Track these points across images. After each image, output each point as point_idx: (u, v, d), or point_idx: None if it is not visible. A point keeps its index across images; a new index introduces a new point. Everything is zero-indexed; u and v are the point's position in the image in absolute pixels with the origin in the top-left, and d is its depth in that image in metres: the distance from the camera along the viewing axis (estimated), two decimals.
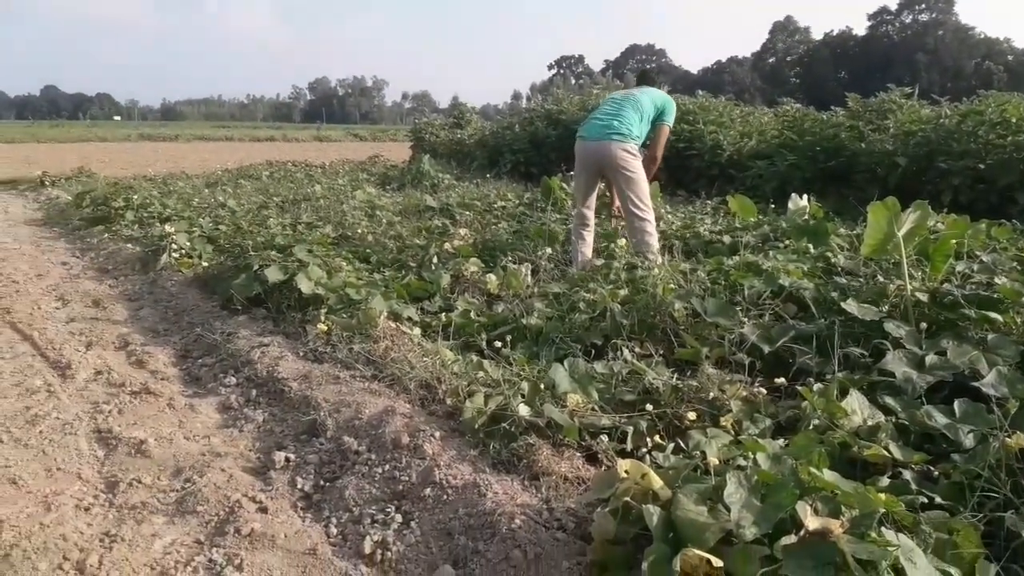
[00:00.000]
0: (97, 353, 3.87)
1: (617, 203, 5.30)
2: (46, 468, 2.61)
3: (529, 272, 4.55)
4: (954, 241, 3.61)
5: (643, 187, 4.95)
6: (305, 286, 4.13)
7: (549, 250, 5.02)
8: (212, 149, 30.52)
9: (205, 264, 5.43)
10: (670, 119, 5.26)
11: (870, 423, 2.25)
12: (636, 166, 4.93)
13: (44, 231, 8.39)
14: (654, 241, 4.91)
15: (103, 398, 3.27)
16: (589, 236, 5.14)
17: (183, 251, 5.78)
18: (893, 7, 73.03)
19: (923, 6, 71.75)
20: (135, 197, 8.70)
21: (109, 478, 2.55)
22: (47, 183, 13.02)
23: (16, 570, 1.98)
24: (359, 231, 6.21)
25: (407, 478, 2.33)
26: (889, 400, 2.39)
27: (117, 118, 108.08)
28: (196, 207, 8.14)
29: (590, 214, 5.17)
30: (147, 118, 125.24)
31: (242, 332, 3.98)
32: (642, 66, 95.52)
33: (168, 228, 6.19)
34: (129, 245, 6.70)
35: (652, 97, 5.19)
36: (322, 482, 2.49)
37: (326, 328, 3.65)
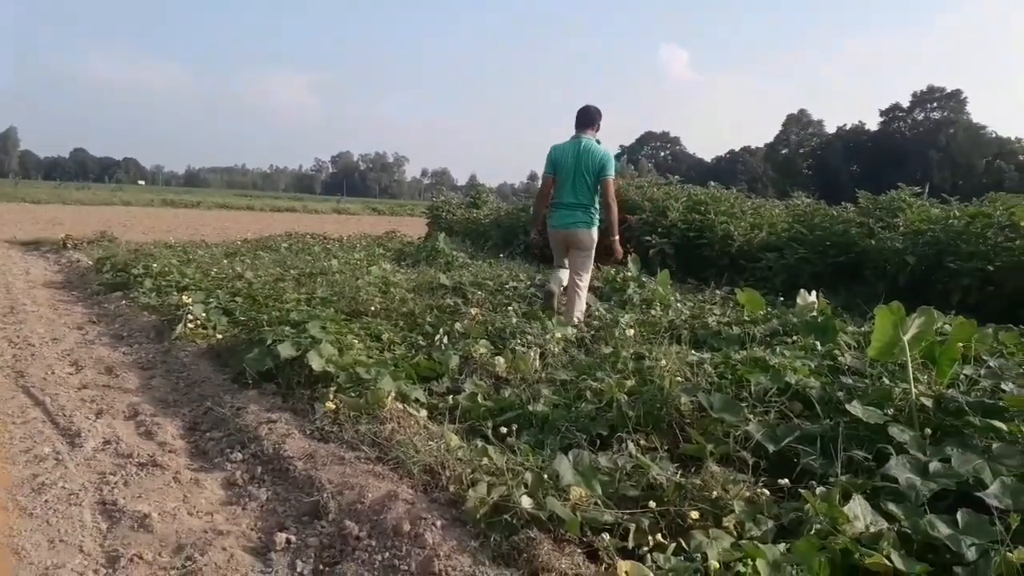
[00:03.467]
0: (107, 422, 3.91)
1: (615, 253, 6.49)
2: (49, 539, 2.62)
3: (538, 356, 4.59)
4: (961, 345, 3.64)
5: (589, 263, 6.26)
6: (316, 363, 4.18)
7: (559, 334, 5.08)
8: (233, 217, 31.10)
9: (219, 336, 5.50)
10: (610, 171, 6.08)
11: (872, 530, 2.25)
12: (590, 245, 6.19)
13: (63, 294, 8.53)
14: (582, 303, 6.15)
15: (110, 469, 3.29)
16: (564, 273, 6.40)
17: (198, 322, 5.86)
18: (905, 104, 74.64)
19: (935, 104, 73.28)
20: (154, 265, 8.86)
21: (111, 552, 2.56)
22: (69, 246, 13.28)
23: None
24: (372, 308, 6.29)
25: (406, 567, 2.33)
26: (892, 507, 2.38)
27: (142, 182, 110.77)
28: (214, 277, 8.27)
29: (566, 262, 6.43)
30: (171, 183, 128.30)
31: (251, 407, 4.02)
32: (656, 153, 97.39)
33: (185, 298, 6.30)
34: (145, 313, 6.80)
35: (594, 165, 6.02)
36: (322, 567, 2.49)
37: (334, 407, 3.68)
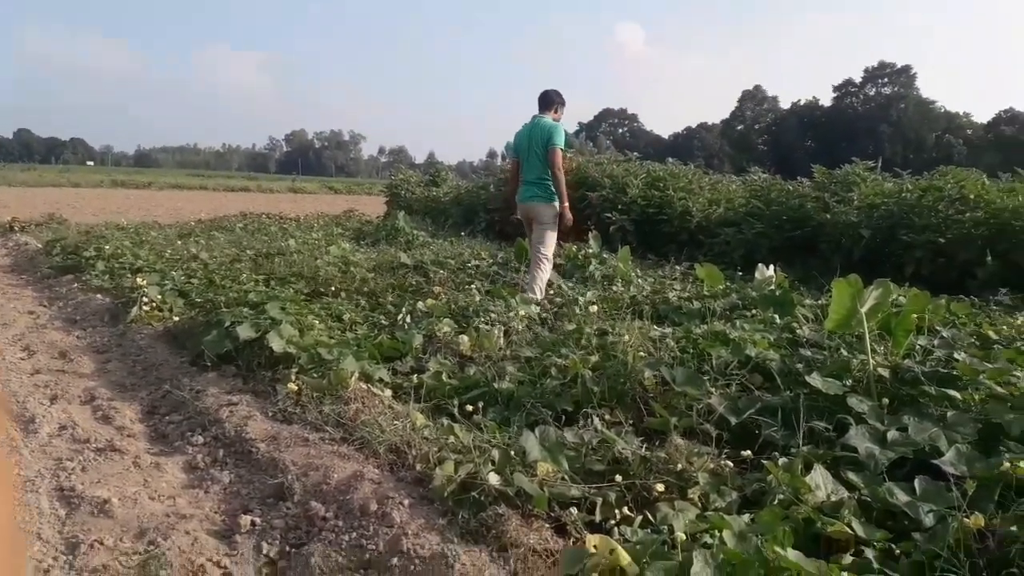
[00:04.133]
0: (62, 407, 3.81)
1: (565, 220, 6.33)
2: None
3: (502, 334, 4.59)
4: (915, 316, 3.72)
5: (548, 236, 6.29)
6: (277, 344, 4.13)
7: (523, 312, 5.08)
8: (186, 198, 30.52)
9: (176, 318, 5.39)
10: (555, 140, 6.13)
11: (834, 499, 2.29)
12: (547, 219, 6.29)
13: (11, 278, 8.29)
14: (543, 277, 6.24)
15: (67, 454, 3.22)
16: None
17: (154, 304, 5.73)
18: (858, 80, 75.75)
19: (886, 80, 74.50)
20: (107, 247, 8.65)
21: (70, 539, 2.50)
22: (16, 228, 12.90)
23: None
24: (332, 288, 6.23)
25: (374, 547, 2.32)
26: (852, 476, 2.43)
27: (90, 163, 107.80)
28: (168, 259, 8.10)
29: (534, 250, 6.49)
30: (121, 164, 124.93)
31: (211, 389, 3.95)
32: (615, 130, 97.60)
33: (139, 280, 6.15)
34: (99, 296, 6.64)
35: (542, 138, 6.17)
36: (288, 548, 2.46)
37: (296, 388, 3.64)
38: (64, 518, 2.66)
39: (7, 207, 17.95)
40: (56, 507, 2.74)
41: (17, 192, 28.76)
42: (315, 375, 3.81)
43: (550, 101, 6.40)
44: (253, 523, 2.61)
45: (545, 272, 6.30)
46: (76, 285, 7.29)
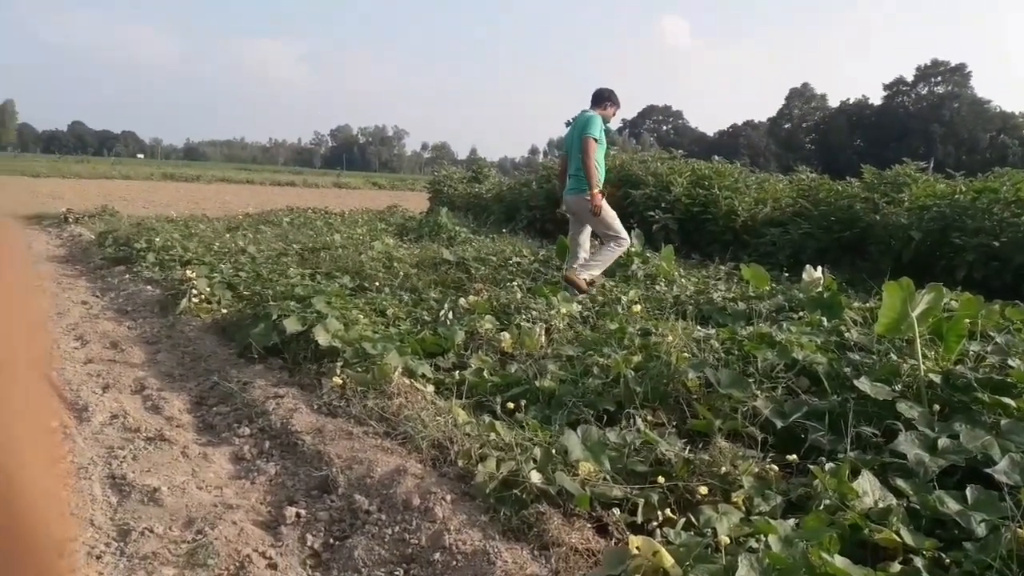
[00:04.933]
0: (113, 396, 3.91)
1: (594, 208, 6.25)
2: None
3: (543, 332, 4.59)
4: (968, 321, 3.63)
5: (604, 227, 6.35)
6: (323, 338, 4.18)
7: (564, 310, 5.07)
8: (233, 191, 30.99)
9: (224, 310, 5.49)
10: (590, 129, 6.17)
11: (881, 505, 2.25)
12: (589, 210, 6.22)
13: (66, 268, 8.52)
14: (612, 254, 6.36)
15: (118, 443, 3.30)
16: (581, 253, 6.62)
17: (203, 296, 5.86)
18: (909, 78, 74.12)
19: (939, 79, 72.76)
20: (157, 239, 8.85)
21: (121, 526, 2.57)
22: (71, 220, 13.25)
23: None
24: (376, 283, 6.29)
25: (417, 541, 2.34)
26: (901, 483, 2.39)
27: (141, 156, 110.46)
28: (217, 251, 8.26)
29: (580, 240, 6.68)
30: (170, 157, 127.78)
31: (258, 382, 4.02)
32: (659, 127, 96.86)
33: (189, 272, 6.28)
34: (149, 287, 6.80)
35: (579, 130, 6.24)
36: (332, 540, 2.50)
37: (341, 382, 3.68)
38: (116, 505, 2.73)
39: (62, 198, 18.43)
40: (108, 494, 2.82)
41: (71, 184, 29.49)
42: (359, 369, 3.85)
43: (600, 98, 6.47)
44: (298, 515, 2.65)
45: (615, 250, 6.37)
46: (127, 276, 7.47)
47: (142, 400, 3.94)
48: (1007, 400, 2.80)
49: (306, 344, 4.30)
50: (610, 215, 6.37)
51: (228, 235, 10.24)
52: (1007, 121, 68.65)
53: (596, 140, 6.18)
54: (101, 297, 6.77)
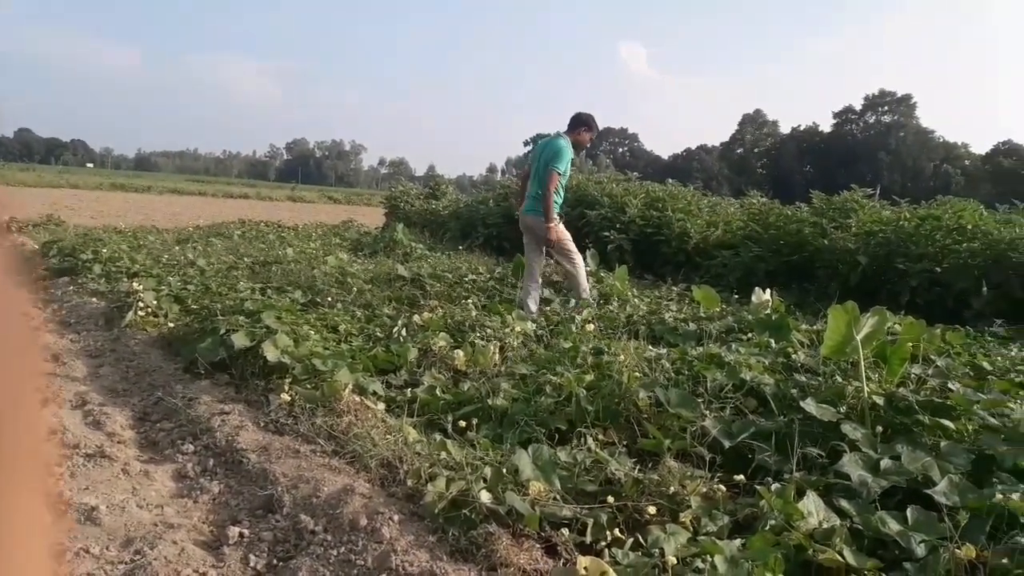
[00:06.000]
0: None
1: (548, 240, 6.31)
2: None
3: (497, 350, 4.58)
4: (910, 344, 3.73)
5: (563, 251, 6.41)
6: (271, 354, 4.11)
7: (519, 328, 5.07)
8: (185, 203, 30.48)
9: (171, 324, 5.37)
10: (556, 164, 6.17)
11: (825, 526, 2.29)
12: (544, 233, 6.24)
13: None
14: (581, 273, 6.55)
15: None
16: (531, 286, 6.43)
17: (149, 309, 5.72)
18: (858, 107, 76.32)
19: (886, 108, 75.10)
20: (104, 250, 8.63)
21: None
22: (13, 228, 12.86)
23: None
24: (328, 298, 6.22)
25: (363, 562, 2.30)
26: (844, 503, 2.43)
27: (90, 165, 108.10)
28: (165, 264, 8.09)
29: (534, 265, 6.49)
30: (120, 167, 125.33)
31: (204, 397, 3.93)
32: (615, 149, 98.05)
33: (136, 285, 6.14)
34: (94, 299, 6.62)
35: (547, 157, 6.25)
36: (276, 561, 2.44)
37: (289, 399, 3.62)
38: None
39: (5, 207, 17.87)
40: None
41: (15, 192, 28.69)
42: (309, 386, 3.79)
43: (577, 122, 6.49)
44: (241, 535, 2.58)
45: (580, 267, 6.57)
46: (72, 288, 7.27)
47: (83, 415, 3.82)
48: (946, 423, 2.88)
49: (254, 360, 4.22)
50: (564, 237, 6.45)
51: (177, 247, 10.05)
52: (950, 151, 71.17)
53: (560, 175, 6.23)
54: (43, 309, 6.57)
